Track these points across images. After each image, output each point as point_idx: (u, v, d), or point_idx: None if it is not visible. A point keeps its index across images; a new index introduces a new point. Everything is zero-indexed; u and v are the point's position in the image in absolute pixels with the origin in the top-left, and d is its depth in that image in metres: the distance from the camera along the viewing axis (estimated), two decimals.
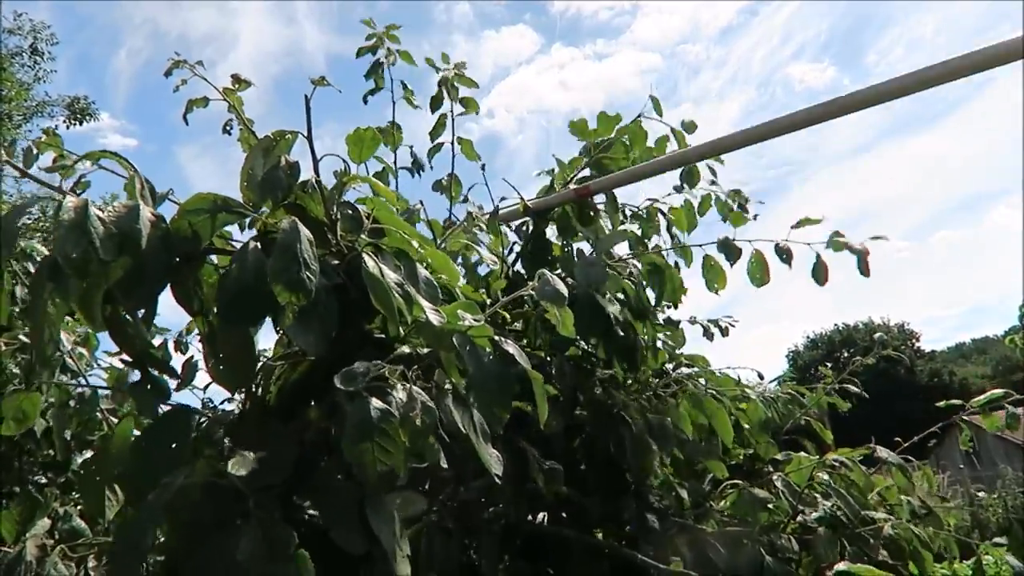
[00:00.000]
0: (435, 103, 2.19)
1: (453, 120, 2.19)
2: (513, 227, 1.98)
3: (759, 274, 1.95)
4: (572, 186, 1.93)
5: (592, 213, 1.88)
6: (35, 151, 0.90)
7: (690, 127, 2.05)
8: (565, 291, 0.91)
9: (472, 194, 2.16)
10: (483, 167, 2.28)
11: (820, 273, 1.92)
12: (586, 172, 1.98)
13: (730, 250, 1.94)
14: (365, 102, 2.13)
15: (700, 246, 1.95)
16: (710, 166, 2.05)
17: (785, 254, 1.93)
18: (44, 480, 1.97)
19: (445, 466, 0.81)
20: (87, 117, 15.00)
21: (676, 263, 1.97)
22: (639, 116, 2.02)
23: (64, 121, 14.66)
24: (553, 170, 2.05)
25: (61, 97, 14.81)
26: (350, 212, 0.93)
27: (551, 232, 1.93)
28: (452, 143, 2.22)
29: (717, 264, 1.94)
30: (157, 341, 2.18)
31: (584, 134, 2.05)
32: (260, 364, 0.99)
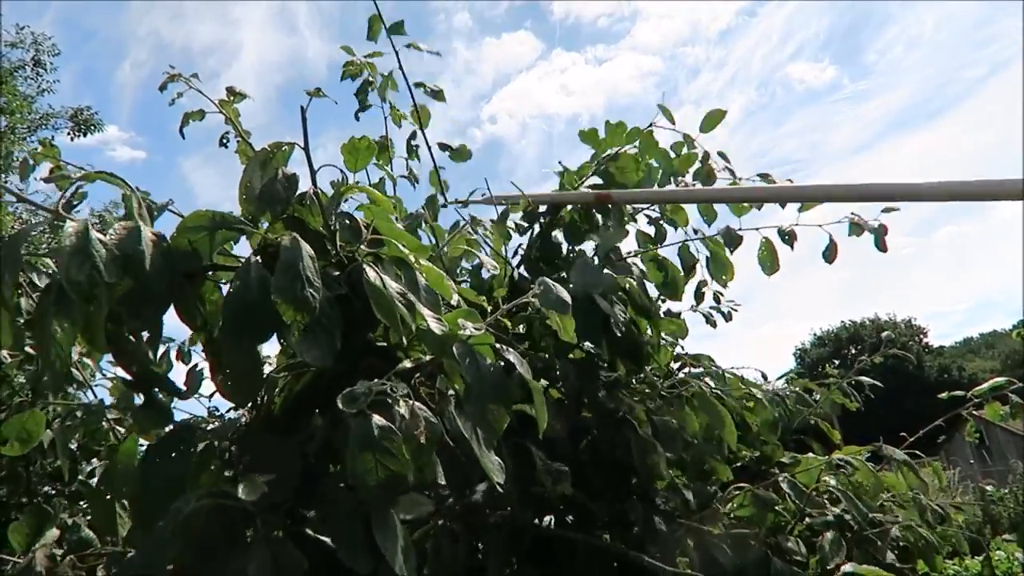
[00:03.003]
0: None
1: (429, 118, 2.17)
2: (514, 223, 1.97)
3: (770, 262, 1.96)
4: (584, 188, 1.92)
5: (600, 221, 1.85)
6: (31, 162, 0.90)
7: (712, 121, 1.97)
8: (568, 298, 0.91)
9: (471, 195, 2.16)
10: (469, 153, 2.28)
11: (831, 253, 1.95)
12: (595, 180, 1.97)
13: (731, 239, 1.94)
14: (357, 119, 2.13)
15: (705, 238, 1.95)
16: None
17: (788, 236, 1.95)
18: (52, 491, 1.98)
19: (443, 482, 0.81)
20: (92, 129, 14.95)
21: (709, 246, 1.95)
22: (650, 126, 1.99)
23: (68, 133, 14.64)
24: (562, 173, 2.05)
25: (65, 109, 14.80)
26: (348, 223, 0.93)
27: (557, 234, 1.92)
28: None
29: (725, 257, 1.94)
30: (159, 351, 2.18)
31: (595, 142, 2.02)
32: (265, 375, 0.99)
